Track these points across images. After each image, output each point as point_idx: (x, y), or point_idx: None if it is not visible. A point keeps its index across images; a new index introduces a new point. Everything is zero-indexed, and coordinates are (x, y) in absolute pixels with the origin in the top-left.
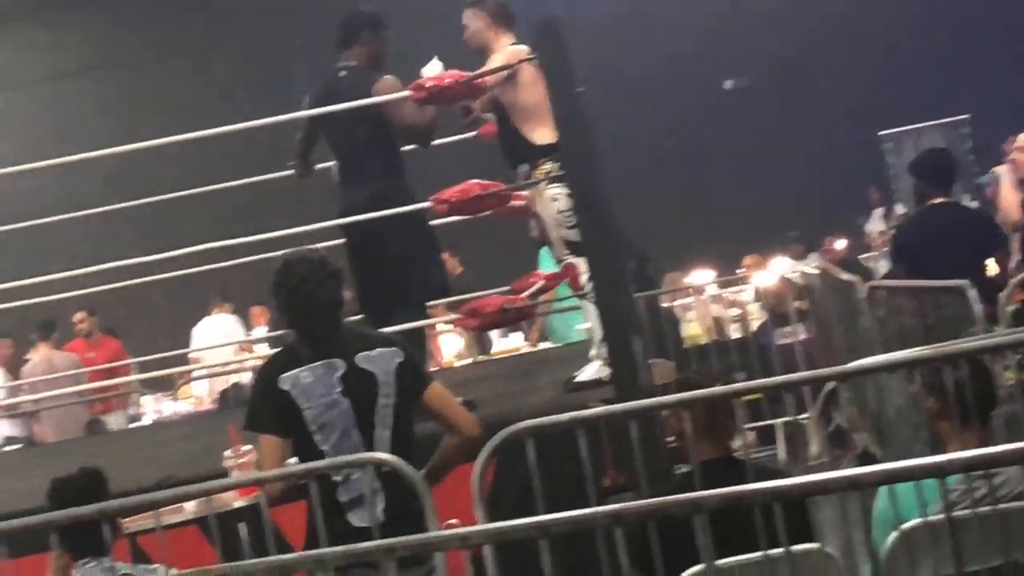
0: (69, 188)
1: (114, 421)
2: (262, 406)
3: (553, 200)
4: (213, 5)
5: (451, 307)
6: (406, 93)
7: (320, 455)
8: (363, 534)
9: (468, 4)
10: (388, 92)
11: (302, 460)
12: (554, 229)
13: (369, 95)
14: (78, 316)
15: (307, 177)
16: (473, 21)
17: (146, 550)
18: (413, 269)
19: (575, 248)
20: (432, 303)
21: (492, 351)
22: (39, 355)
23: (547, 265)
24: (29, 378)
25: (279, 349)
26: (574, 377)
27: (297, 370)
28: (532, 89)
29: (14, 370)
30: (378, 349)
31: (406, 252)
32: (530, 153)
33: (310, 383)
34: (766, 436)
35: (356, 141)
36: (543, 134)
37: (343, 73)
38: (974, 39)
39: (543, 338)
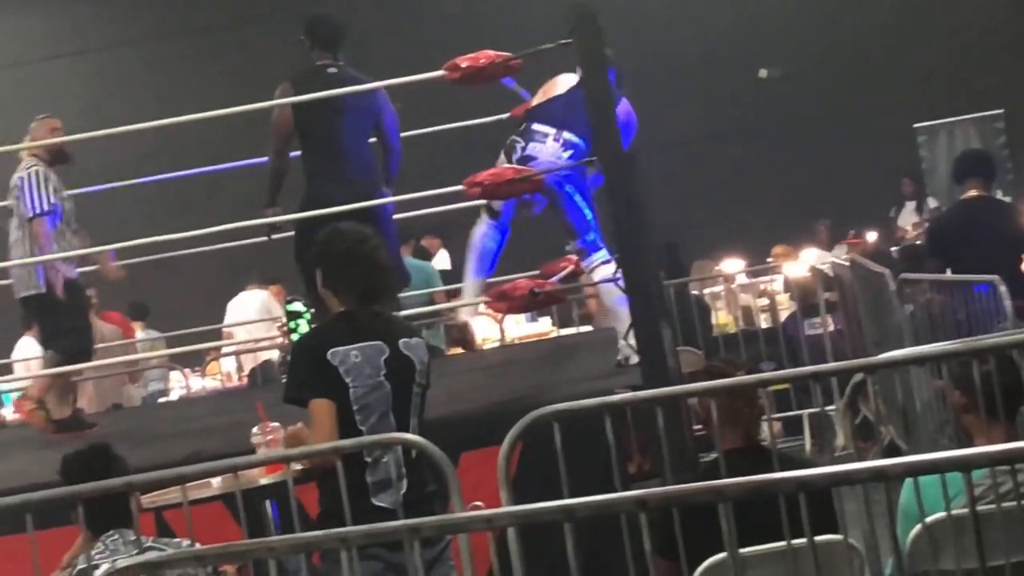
0: (100, 162)
1: (136, 394)
2: (313, 374)
3: None
4: None
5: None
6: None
7: (358, 434)
8: (385, 514)
9: None
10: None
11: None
12: None
13: (375, 93)
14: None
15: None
16: None
17: (171, 525)
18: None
19: None
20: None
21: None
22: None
23: None
24: None
25: (324, 323)
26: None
27: (347, 347)
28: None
29: None
30: (415, 338)
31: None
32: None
33: (359, 362)
34: (793, 427)
35: (360, 135)
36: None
37: (333, 70)
38: (1011, 35)
39: None
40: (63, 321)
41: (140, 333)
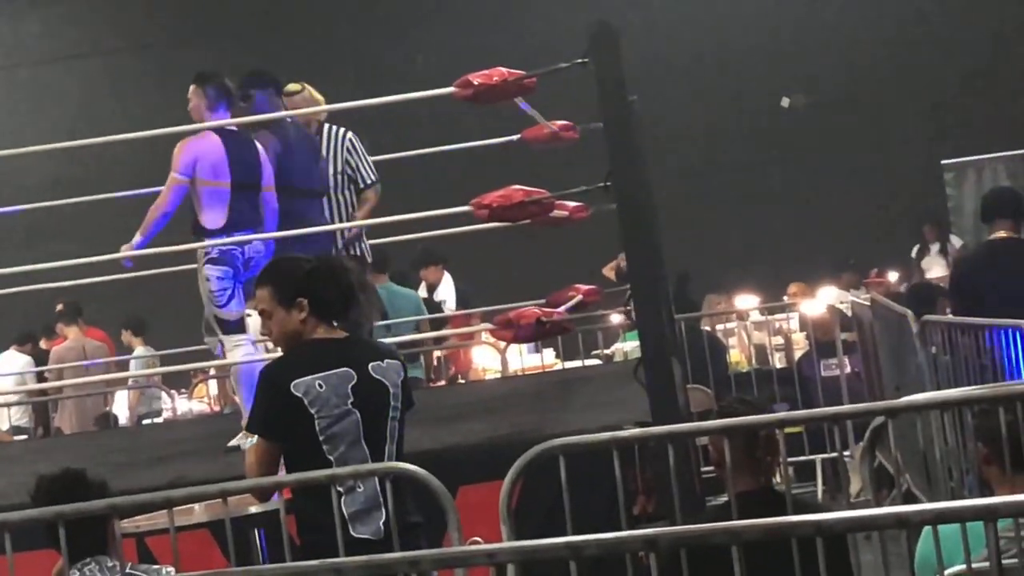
0: (94, 168)
1: (123, 416)
2: (270, 410)
3: (207, 280)
4: None
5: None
6: None
7: (327, 465)
8: (369, 546)
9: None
10: None
11: (302, 468)
12: (207, 307)
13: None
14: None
15: None
16: (192, 98)
17: (154, 552)
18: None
19: (224, 326)
20: (466, 312)
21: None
22: (71, 339)
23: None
24: (60, 363)
25: (290, 352)
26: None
27: (311, 377)
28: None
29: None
30: (387, 360)
31: None
32: (198, 233)
33: (323, 392)
34: (805, 472)
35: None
36: (213, 219)
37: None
38: None
39: None
40: None
41: (140, 349)
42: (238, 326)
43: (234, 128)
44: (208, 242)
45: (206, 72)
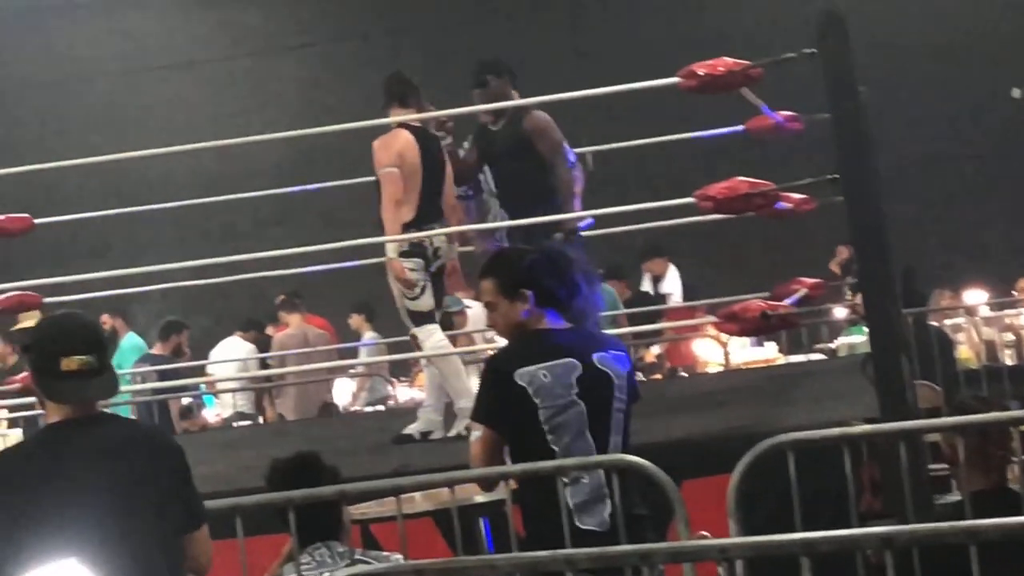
0: (311, 156)
1: (342, 403)
2: (495, 400)
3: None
4: None
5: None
6: None
7: (550, 455)
8: (595, 538)
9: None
10: None
11: (527, 459)
12: (399, 299)
13: None
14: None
15: None
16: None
17: (378, 538)
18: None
19: (417, 318)
20: (689, 304)
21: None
22: (293, 327)
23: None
24: (282, 350)
25: (514, 341)
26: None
27: (535, 367)
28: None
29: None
30: (611, 351)
31: None
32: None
33: (548, 382)
34: None
35: None
36: (405, 212)
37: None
38: None
39: None
40: None
41: (369, 334)
42: (430, 317)
43: (419, 124)
44: (406, 235)
45: (390, 74)
